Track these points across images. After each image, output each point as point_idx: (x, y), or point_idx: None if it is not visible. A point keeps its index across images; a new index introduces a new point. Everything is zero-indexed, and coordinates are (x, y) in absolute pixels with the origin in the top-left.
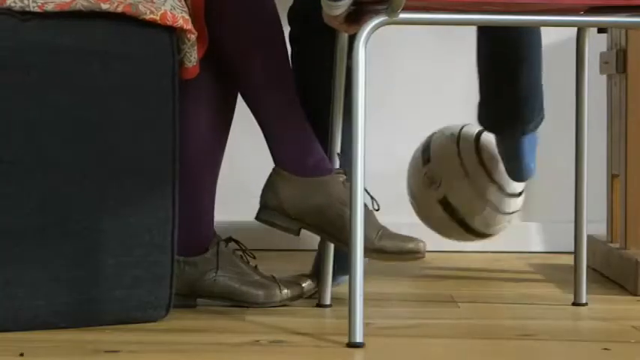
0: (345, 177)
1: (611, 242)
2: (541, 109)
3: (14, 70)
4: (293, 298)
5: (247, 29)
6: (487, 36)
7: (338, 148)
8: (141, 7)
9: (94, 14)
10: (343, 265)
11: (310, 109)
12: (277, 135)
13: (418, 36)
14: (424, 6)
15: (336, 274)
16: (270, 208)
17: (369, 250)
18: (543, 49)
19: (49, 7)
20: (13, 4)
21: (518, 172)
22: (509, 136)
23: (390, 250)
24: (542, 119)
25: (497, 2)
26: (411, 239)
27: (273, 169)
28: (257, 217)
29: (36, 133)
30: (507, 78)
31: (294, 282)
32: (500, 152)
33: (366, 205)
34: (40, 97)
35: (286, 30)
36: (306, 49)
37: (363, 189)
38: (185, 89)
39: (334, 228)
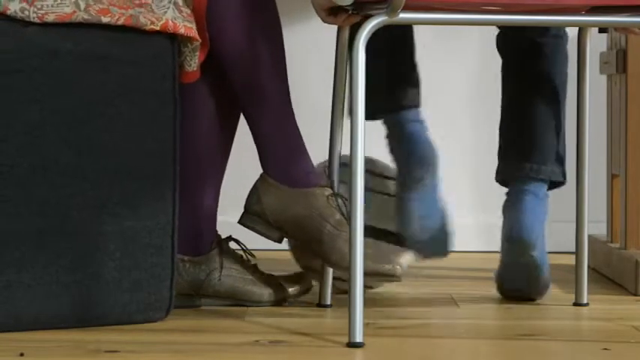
0: (331, 191)
1: (611, 242)
2: (557, 163)
3: (16, 74)
4: (296, 295)
5: (247, 32)
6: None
7: (338, 149)
8: (141, 19)
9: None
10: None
11: None
12: (267, 143)
13: (418, 36)
14: (424, 6)
15: None
16: (252, 213)
17: (345, 268)
18: None
19: (50, 19)
20: (14, 14)
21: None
22: (512, 176)
23: (366, 272)
24: (560, 177)
25: (497, 2)
26: (388, 261)
27: (261, 175)
28: (239, 222)
29: (37, 136)
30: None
31: (295, 278)
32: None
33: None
34: (41, 101)
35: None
36: None
37: (362, 189)
38: (191, 92)
39: (312, 240)
